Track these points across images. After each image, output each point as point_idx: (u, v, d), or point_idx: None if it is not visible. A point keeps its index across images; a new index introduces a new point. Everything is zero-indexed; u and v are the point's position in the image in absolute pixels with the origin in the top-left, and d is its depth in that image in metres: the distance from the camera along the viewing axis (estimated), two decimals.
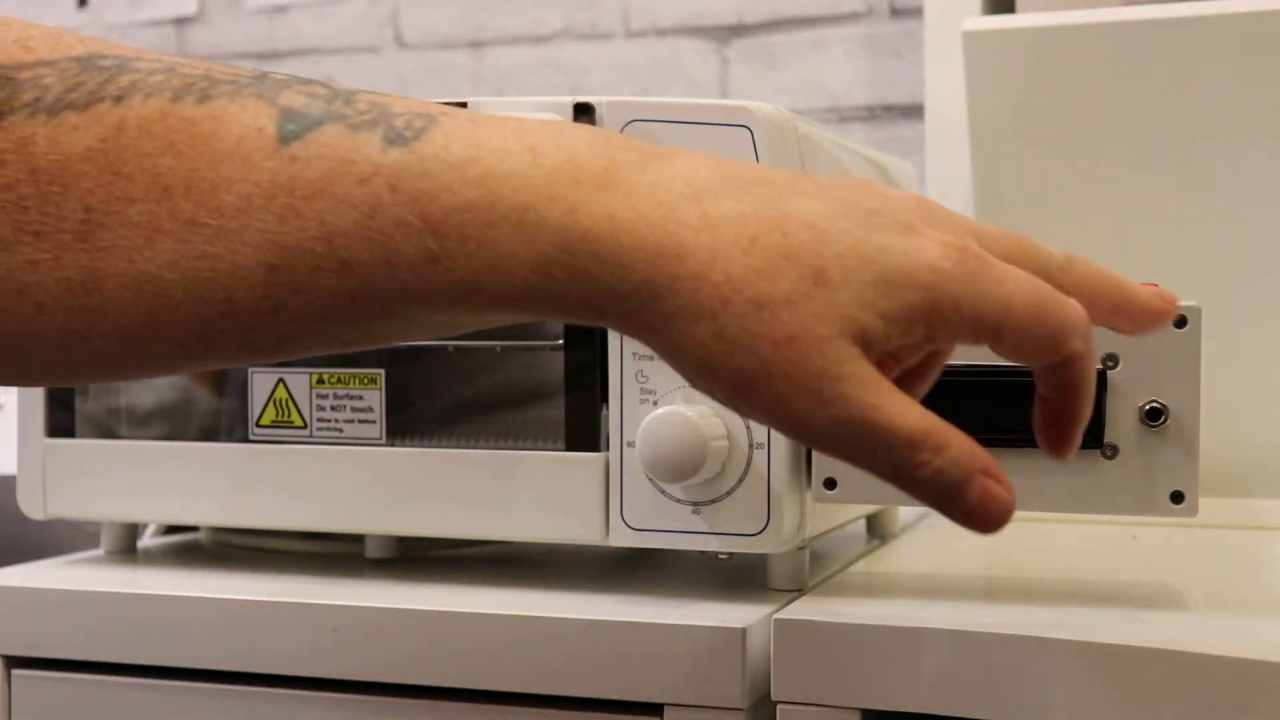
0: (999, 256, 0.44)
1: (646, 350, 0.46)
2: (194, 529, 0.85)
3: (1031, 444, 0.58)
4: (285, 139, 0.40)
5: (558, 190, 0.40)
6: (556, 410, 0.65)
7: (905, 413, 0.42)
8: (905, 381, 0.48)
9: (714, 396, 0.43)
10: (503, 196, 0.40)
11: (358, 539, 0.74)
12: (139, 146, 0.40)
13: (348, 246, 0.40)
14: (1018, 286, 0.43)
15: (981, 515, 0.43)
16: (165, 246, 0.40)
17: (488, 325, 0.46)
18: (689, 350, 0.41)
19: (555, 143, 0.41)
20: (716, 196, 0.41)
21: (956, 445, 0.42)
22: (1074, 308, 0.44)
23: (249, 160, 0.40)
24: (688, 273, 0.40)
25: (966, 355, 0.59)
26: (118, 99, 0.40)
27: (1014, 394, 0.58)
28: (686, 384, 0.50)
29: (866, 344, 0.41)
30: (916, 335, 0.42)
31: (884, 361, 0.44)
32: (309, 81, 0.42)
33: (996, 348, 0.44)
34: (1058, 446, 0.48)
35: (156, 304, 0.40)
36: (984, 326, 0.43)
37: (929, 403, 0.58)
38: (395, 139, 0.41)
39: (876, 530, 0.81)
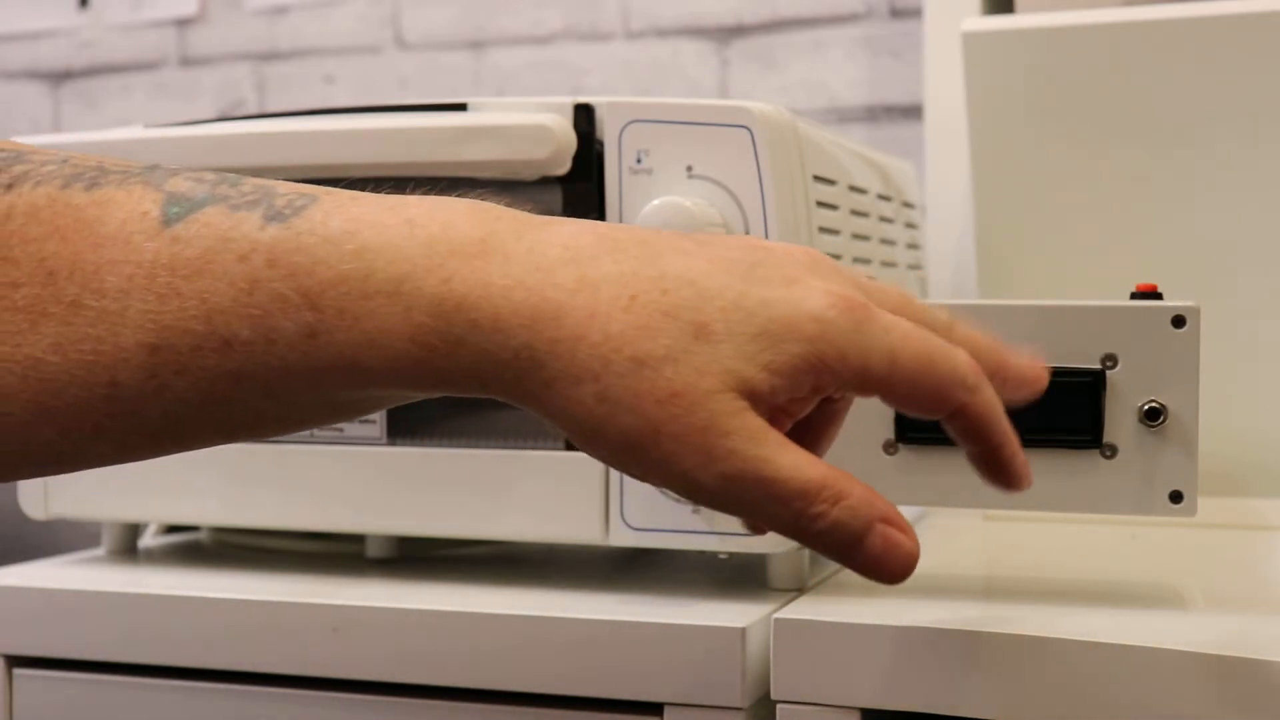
0: (886, 310, 0.43)
1: None
2: (195, 529, 0.85)
3: (1031, 443, 0.59)
4: (168, 221, 0.40)
5: (434, 261, 0.40)
6: None
7: (798, 464, 0.41)
8: (807, 438, 0.47)
9: (605, 461, 0.42)
10: (378, 269, 0.40)
11: (358, 539, 0.74)
12: (25, 232, 0.40)
13: (228, 324, 0.40)
14: (904, 337, 0.42)
15: (884, 565, 0.42)
16: (49, 330, 0.40)
17: (377, 406, 0.45)
18: (574, 415, 0.40)
19: (432, 215, 0.41)
20: (595, 259, 0.41)
21: (855, 495, 0.42)
22: (961, 357, 0.44)
23: (131, 242, 0.40)
24: (566, 335, 0.40)
25: None
26: (8, 187, 0.41)
27: None
28: None
29: (753, 397, 0.41)
30: (804, 387, 0.42)
31: (775, 415, 0.43)
32: (199, 169, 0.43)
33: (886, 398, 0.43)
34: (1003, 482, 0.47)
35: (42, 389, 0.40)
36: (870, 376, 0.42)
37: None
38: (274, 216, 0.40)
39: None
